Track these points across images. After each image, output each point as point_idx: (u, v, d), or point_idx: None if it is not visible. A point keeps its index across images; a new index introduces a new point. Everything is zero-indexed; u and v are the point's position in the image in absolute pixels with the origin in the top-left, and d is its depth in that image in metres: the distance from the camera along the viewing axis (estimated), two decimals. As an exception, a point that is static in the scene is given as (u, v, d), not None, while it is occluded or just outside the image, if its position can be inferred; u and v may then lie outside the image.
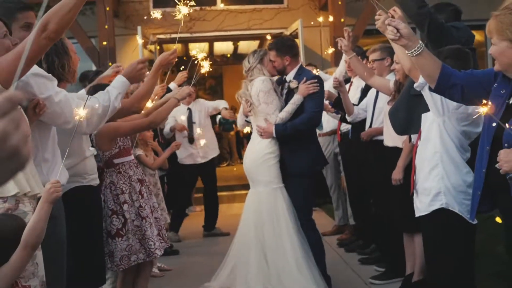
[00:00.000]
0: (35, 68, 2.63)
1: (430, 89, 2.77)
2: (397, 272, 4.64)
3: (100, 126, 3.05)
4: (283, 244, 4.41)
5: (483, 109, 1.98)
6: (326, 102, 5.33)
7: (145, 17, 8.95)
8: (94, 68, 8.89)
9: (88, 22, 9.11)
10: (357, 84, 5.72)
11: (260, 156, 4.55)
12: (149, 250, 3.63)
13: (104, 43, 8.65)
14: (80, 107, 2.57)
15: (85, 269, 3.32)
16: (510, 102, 2.48)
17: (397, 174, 4.13)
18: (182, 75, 4.76)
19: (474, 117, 2.96)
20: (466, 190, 3.01)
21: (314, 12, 10.04)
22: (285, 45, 4.68)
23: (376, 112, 4.90)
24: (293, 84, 4.55)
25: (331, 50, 8.20)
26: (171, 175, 6.64)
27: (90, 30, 9.00)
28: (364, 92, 5.36)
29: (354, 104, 5.19)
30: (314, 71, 6.55)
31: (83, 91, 3.96)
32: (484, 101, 2.04)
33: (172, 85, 5.16)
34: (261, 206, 4.53)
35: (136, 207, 3.67)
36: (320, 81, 4.54)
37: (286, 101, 4.57)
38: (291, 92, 4.58)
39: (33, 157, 2.65)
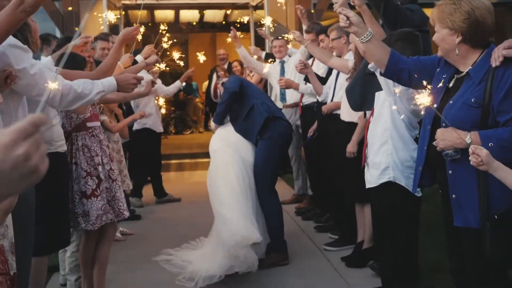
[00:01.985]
0: (12, 39, 2.68)
1: (380, 73, 2.97)
2: (350, 239, 4.90)
3: (70, 108, 3.11)
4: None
5: (423, 100, 2.17)
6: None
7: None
8: (57, 31, 8.80)
9: (51, -16, 8.96)
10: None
11: None
12: (118, 210, 3.79)
13: (70, 8, 8.55)
14: (56, 80, 2.64)
15: (51, 233, 3.45)
16: (450, 85, 2.69)
17: (351, 148, 4.37)
18: (149, 49, 4.82)
19: (416, 107, 3.18)
20: (412, 165, 3.24)
21: (280, -17, 10.09)
22: None
23: (337, 87, 5.09)
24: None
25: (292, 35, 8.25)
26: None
27: (53, -7, 8.87)
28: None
29: (321, 77, 5.40)
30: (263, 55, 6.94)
31: (49, 59, 4.01)
32: (426, 93, 2.22)
33: (138, 57, 5.22)
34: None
35: (107, 169, 3.80)
36: None
37: None
38: None
39: (8, 125, 2.73)
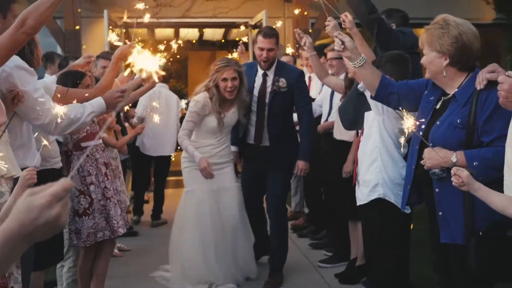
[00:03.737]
0: (19, 61, 2.79)
1: (370, 96, 3.08)
2: (344, 256, 4.97)
3: (64, 133, 3.21)
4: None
5: (408, 124, 2.26)
6: None
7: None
8: (59, 49, 8.93)
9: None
10: (317, 79, 6.00)
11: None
12: (113, 228, 3.86)
13: (77, 27, 8.67)
14: (60, 108, 2.73)
15: (44, 248, 3.52)
16: (437, 107, 2.79)
17: (347, 167, 4.46)
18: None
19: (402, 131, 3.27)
20: (401, 182, 3.32)
21: (279, 3, 10.26)
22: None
23: (334, 107, 5.19)
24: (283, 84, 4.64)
25: (289, 50, 8.32)
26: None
27: (55, 11, 8.99)
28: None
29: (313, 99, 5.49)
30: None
31: (53, 78, 4.11)
32: (409, 119, 2.30)
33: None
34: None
35: (101, 188, 3.88)
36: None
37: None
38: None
39: (12, 142, 2.83)
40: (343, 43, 2.84)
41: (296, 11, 8.70)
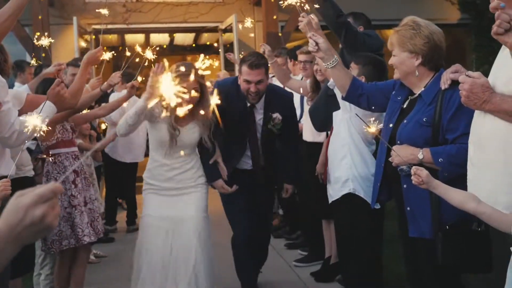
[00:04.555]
0: None
1: (341, 97, 3.18)
2: (318, 255, 5.06)
3: (23, 144, 3.20)
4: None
5: (371, 129, 2.35)
6: None
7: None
8: (27, 56, 8.86)
9: (22, 10, 9.04)
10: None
11: None
12: (77, 236, 3.87)
13: (37, 33, 8.61)
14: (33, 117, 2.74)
15: (18, 257, 3.51)
16: (404, 106, 2.90)
17: (320, 168, 4.55)
18: (116, 75, 4.94)
19: (366, 134, 3.39)
20: (371, 178, 3.42)
21: (248, 7, 10.34)
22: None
23: (305, 110, 5.27)
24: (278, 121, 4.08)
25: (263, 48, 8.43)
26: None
27: (24, 19, 8.93)
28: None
29: None
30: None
31: (25, 87, 4.12)
32: (371, 125, 2.39)
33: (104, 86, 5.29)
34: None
35: (68, 195, 3.89)
36: None
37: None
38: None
39: None
40: (317, 44, 2.93)
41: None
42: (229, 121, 3.90)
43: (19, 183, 3.49)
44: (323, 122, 4.10)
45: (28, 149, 4.14)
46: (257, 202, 4.19)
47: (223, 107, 3.69)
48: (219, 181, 3.98)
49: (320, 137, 4.65)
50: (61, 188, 1.16)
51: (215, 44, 10.14)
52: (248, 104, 4.02)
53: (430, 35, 2.75)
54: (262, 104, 4.06)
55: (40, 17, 8.68)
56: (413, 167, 2.31)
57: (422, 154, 2.65)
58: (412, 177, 2.31)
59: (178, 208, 3.82)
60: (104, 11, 3.81)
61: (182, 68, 3.52)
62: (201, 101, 3.73)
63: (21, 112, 3.10)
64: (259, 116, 4.07)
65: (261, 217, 4.31)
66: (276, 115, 4.01)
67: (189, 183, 3.88)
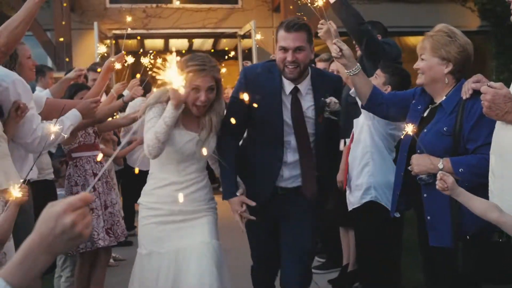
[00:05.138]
0: (17, 76, 2.87)
1: (361, 105, 3.19)
2: (336, 262, 5.06)
3: (48, 149, 3.28)
4: None
5: (408, 129, 2.36)
6: None
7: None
8: (49, 61, 8.99)
9: (44, 15, 9.18)
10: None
11: None
12: (93, 239, 3.92)
13: (61, 39, 8.74)
14: (52, 125, 2.80)
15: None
16: (424, 115, 2.90)
17: (340, 176, 4.55)
18: (134, 83, 5.01)
19: (393, 131, 3.40)
20: (392, 186, 3.42)
21: (267, 13, 10.39)
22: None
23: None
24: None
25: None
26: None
27: (45, 24, 9.06)
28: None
29: None
30: None
31: (46, 92, 4.19)
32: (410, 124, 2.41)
33: (125, 92, 5.38)
34: None
35: None
36: None
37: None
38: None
39: (12, 155, 2.90)
40: (341, 50, 2.93)
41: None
42: (260, 118, 3.11)
43: (39, 186, 3.56)
44: (343, 130, 4.10)
45: (49, 152, 4.21)
46: (295, 237, 3.21)
47: (254, 100, 2.98)
48: (237, 198, 3.09)
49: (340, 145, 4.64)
50: (91, 197, 1.19)
51: (232, 53, 10.18)
52: (290, 89, 3.10)
53: (465, 45, 2.75)
54: (307, 86, 3.15)
55: (64, 22, 8.78)
56: (439, 172, 2.30)
57: (442, 164, 2.65)
58: (437, 182, 2.30)
59: (187, 235, 3.05)
60: (129, 18, 3.87)
61: (196, 61, 2.93)
62: (216, 101, 3.07)
63: (41, 116, 3.17)
64: (307, 104, 3.14)
65: (302, 261, 3.28)
66: (331, 99, 3.09)
67: (201, 205, 3.12)
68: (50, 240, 1.13)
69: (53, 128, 2.72)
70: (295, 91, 3.11)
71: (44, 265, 1.15)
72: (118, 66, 3.90)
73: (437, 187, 2.31)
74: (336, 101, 3.10)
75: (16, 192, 2.15)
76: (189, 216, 3.08)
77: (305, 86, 3.13)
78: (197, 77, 2.88)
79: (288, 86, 3.11)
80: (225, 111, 3.17)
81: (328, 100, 3.08)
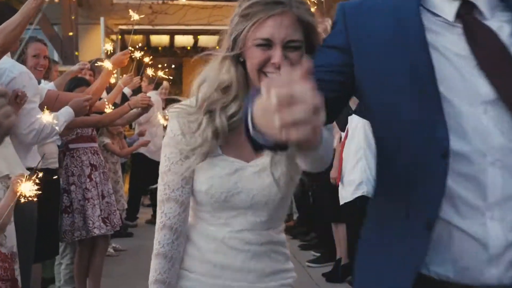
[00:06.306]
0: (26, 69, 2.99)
1: (354, 110, 3.28)
2: (331, 256, 5.16)
3: (40, 143, 3.38)
4: None
5: None
6: None
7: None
8: (55, 55, 9.10)
9: (52, 9, 9.28)
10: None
11: None
12: (88, 228, 4.03)
13: (71, 33, 8.84)
14: (46, 118, 2.91)
15: (40, 242, 3.69)
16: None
17: (333, 173, 4.64)
18: (136, 81, 5.09)
19: None
20: None
21: (272, 11, 10.46)
22: None
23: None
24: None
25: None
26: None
27: (53, 18, 9.16)
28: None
29: None
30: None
31: (51, 85, 4.30)
32: None
33: (126, 90, 5.45)
34: None
35: (82, 188, 4.07)
36: None
37: None
38: None
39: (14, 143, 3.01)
40: None
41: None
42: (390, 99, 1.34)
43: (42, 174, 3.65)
44: (339, 124, 4.20)
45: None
46: None
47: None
48: None
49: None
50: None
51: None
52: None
53: None
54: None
55: (73, 17, 8.87)
56: None
57: None
58: None
59: None
60: (135, 16, 3.95)
61: None
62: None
63: (40, 107, 3.27)
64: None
65: None
66: None
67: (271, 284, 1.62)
68: None
69: (47, 117, 2.81)
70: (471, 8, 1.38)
71: None
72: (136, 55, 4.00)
73: None
74: None
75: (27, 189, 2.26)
76: None
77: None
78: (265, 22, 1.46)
79: None
80: None
81: None
